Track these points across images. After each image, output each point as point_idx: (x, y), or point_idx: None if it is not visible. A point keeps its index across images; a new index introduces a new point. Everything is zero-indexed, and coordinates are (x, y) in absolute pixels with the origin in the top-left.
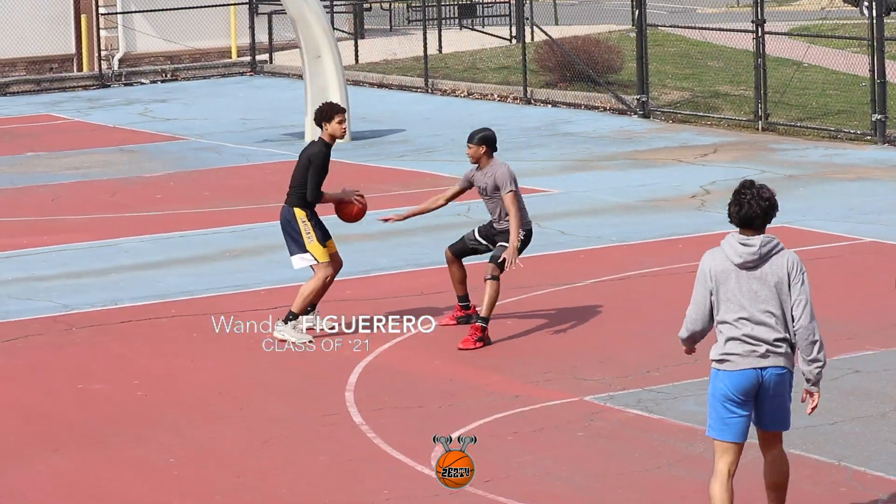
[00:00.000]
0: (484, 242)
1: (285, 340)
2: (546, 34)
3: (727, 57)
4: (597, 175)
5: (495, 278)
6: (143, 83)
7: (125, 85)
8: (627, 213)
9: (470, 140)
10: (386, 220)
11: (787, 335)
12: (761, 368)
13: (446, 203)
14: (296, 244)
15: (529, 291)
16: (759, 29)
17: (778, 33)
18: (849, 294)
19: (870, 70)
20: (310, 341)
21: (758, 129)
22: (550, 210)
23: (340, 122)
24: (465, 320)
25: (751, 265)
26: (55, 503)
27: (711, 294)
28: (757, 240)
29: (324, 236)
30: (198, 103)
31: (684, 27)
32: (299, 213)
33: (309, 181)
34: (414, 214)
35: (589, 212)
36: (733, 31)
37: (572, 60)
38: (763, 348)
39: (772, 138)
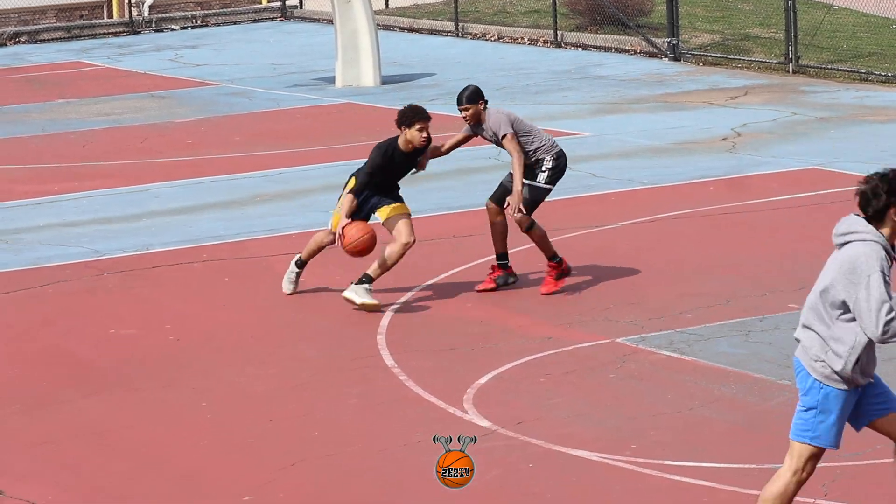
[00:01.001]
0: None
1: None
2: None
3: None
4: (627, 118)
5: (532, 226)
6: (173, 29)
7: (155, 31)
8: (658, 155)
9: (459, 102)
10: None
11: (822, 333)
12: (798, 359)
13: (448, 152)
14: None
15: (561, 234)
16: None
17: None
18: None
19: None
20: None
21: (788, 71)
22: (581, 153)
23: (421, 130)
24: (503, 280)
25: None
26: (89, 447)
27: None
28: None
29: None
30: (228, 49)
31: None
32: (351, 182)
33: (357, 182)
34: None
35: (620, 154)
36: None
37: (603, 3)
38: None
39: (802, 81)
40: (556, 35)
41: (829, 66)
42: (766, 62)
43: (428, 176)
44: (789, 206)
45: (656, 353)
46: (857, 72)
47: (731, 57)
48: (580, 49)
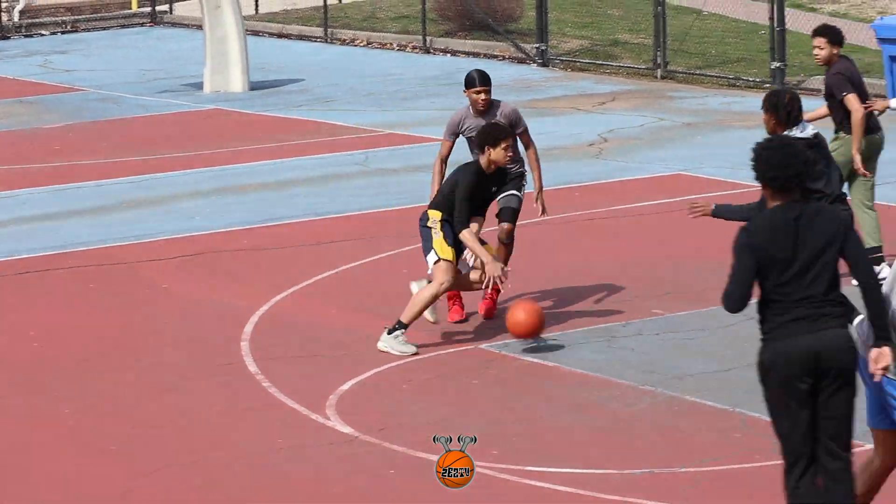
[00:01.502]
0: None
1: (386, 352)
2: None
3: (627, 5)
4: None
5: (511, 242)
6: (43, 35)
7: (25, 37)
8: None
9: (473, 84)
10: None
11: None
12: None
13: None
14: (426, 242)
15: None
16: None
17: None
18: None
19: (770, 18)
20: (413, 353)
21: (657, 77)
22: (450, 158)
23: (506, 149)
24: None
25: None
26: None
27: None
28: None
29: (455, 243)
30: (97, 55)
31: None
32: (433, 214)
33: (456, 213)
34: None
35: None
36: None
37: (472, 9)
38: None
39: (670, 86)
40: (424, 41)
41: (698, 72)
42: (634, 68)
43: (296, 182)
44: (655, 212)
45: (519, 358)
46: (725, 77)
47: (600, 63)
48: (449, 55)
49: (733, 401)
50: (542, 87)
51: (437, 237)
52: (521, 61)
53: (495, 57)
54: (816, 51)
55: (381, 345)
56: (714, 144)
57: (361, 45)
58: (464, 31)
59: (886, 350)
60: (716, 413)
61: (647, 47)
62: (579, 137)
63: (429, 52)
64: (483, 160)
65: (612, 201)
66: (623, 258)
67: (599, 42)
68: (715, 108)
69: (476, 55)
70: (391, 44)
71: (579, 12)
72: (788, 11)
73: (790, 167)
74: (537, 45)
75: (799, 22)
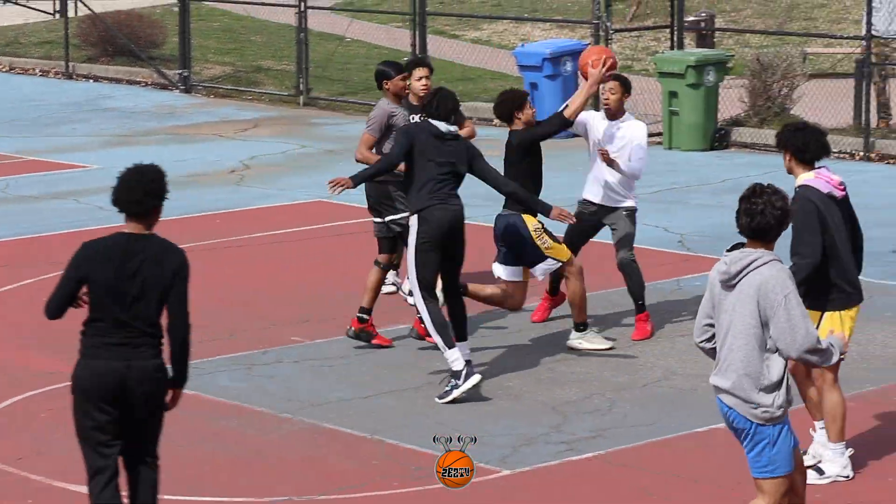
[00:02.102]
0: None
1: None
2: (89, 8)
3: (270, 31)
4: (136, 150)
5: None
6: None
7: None
8: None
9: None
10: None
11: None
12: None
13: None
14: (529, 254)
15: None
16: (302, 3)
17: (321, 8)
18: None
19: (411, 45)
20: (609, 348)
21: (299, 103)
22: (89, 185)
23: (532, 107)
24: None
25: None
26: None
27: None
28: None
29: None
30: None
31: (228, 1)
32: (529, 220)
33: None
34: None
35: None
36: (276, 5)
37: (115, 35)
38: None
39: (313, 113)
40: (67, 66)
41: (340, 99)
42: (277, 94)
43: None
44: (296, 239)
45: None
46: (367, 104)
47: (243, 89)
48: (92, 81)
49: (373, 428)
50: (185, 113)
51: (548, 245)
52: (164, 87)
53: (138, 83)
54: None
55: (574, 342)
56: (355, 170)
57: (3, 70)
58: (107, 57)
59: (179, 392)
60: (355, 440)
61: (290, 73)
62: (220, 164)
63: (72, 78)
64: (519, 123)
65: (253, 228)
66: (261, 285)
67: (242, 68)
68: (356, 134)
69: (119, 81)
70: (34, 69)
71: (222, 38)
72: (430, 38)
73: (130, 192)
74: (180, 72)
75: (441, 49)
